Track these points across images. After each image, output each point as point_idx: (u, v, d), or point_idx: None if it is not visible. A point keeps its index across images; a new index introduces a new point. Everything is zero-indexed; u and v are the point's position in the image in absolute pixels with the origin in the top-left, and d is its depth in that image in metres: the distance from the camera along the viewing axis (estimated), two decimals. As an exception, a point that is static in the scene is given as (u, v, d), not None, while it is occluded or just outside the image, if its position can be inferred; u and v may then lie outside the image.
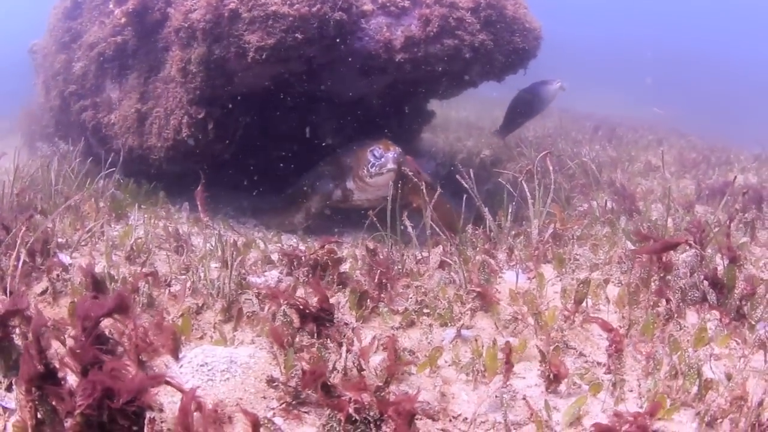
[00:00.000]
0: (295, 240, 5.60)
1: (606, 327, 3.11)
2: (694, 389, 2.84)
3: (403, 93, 6.76)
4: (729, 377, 3.00)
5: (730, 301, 3.70)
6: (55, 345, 3.27)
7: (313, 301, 3.24)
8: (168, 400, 2.57)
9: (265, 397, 2.62)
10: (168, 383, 2.28)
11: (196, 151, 5.86)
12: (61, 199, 5.76)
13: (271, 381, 2.62)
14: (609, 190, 7.20)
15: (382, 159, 5.39)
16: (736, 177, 7.78)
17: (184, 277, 4.28)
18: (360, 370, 2.81)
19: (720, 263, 3.99)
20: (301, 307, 3.09)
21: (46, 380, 2.44)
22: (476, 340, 3.14)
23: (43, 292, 3.98)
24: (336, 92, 6.27)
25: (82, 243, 4.85)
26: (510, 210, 5.11)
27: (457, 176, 5.22)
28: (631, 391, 2.95)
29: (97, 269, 4.23)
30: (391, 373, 2.71)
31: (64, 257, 4.54)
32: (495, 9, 5.94)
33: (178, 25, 5.55)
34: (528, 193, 5.14)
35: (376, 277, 3.79)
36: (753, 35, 41.24)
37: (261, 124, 6.36)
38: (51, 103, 7.45)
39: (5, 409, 2.84)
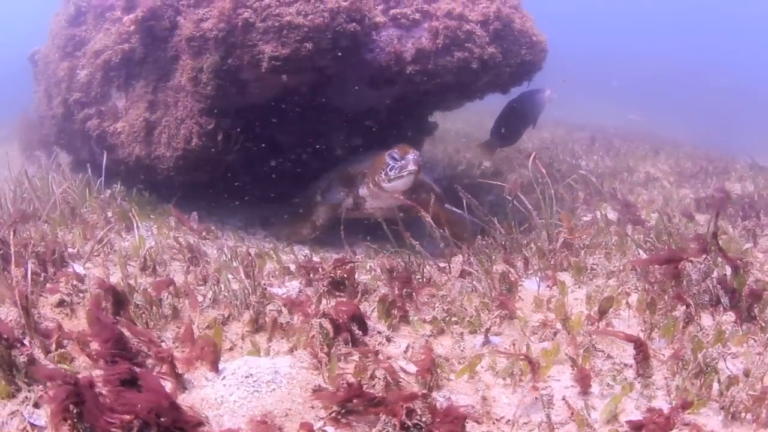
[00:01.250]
0: (307, 251, 5.58)
1: (630, 339, 3.20)
2: (716, 385, 2.98)
3: (412, 104, 6.78)
4: (747, 373, 3.14)
5: (742, 303, 3.85)
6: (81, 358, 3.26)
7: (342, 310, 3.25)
8: (213, 413, 2.55)
9: (312, 407, 2.61)
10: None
11: (207, 161, 5.84)
12: (66, 207, 5.71)
13: (317, 390, 2.61)
14: (612, 201, 7.27)
15: (402, 161, 5.24)
16: (712, 185, 8.03)
17: (202, 288, 4.27)
18: (397, 382, 2.82)
19: (727, 269, 4.14)
20: (335, 317, 3.09)
21: (80, 397, 2.41)
22: (513, 345, 3.19)
23: (60, 304, 3.93)
24: (345, 103, 6.28)
25: (95, 254, 4.81)
26: (516, 220, 5.16)
27: (459, 192, 5.27)
28: (660, 389, 3.07)
29: (113, 280, 4.21)
30: (431, 378, 2.73)
31: (78, 268, 4.51)
32: (503, 22, 6.00)
33: (189, 34, 5.53)
34: (528, 204, 5.19)
35: (400, 287, 3.80)
36: (737, 43, 41.85)
37: (270, 134, 6.35)
38: (53, 111, 7.37)
39: (34, 426, 2.78)
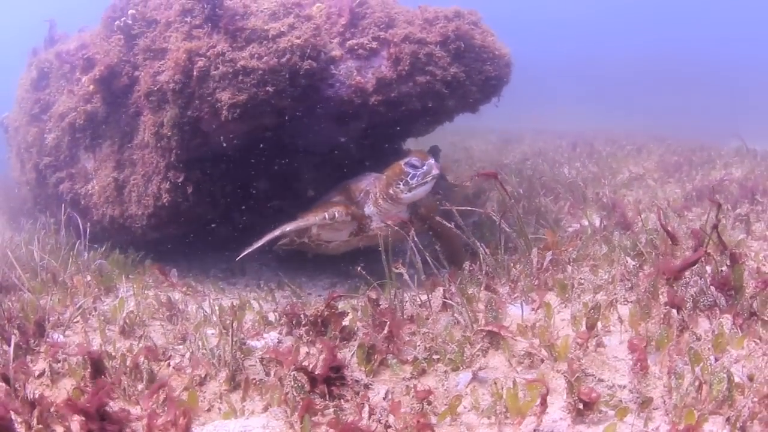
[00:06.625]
0: (286, 294, 5.45)
1: (632, 347, 3.13)
2: (721, 396, 2.83)
3: (381, 136, 6.65)
4: (751, 378, 3.00)
5: (741, 301, 3.68)
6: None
7: (320, 360, 3.14)
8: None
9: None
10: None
11: (179, 215, 5.75)
12: (47, 275, 5.61)
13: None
14: (596, 206, 7.17)
15: (425, 167, 5.17)
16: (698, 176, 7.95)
17: (181, 347, 4.17)
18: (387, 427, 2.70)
19: (723, 265, 4.00)
20: (310, 369, 2.98)
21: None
22: (495, 383, 3.06)
23: (41, 374, 3.85)
24: (312, 142, 6.17)
25: (74, 320, 4.71)
26: (502, 242, 5.01)
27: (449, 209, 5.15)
28: (657, 409, 2.91)
29: (93, 347, 4.12)
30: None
31: (58, 336, 4.41)
32: (464, 40, 5.88)
33: (147, 89, 5.47)
34: (507, 228, 5.05)
35: (385, 328, 3.66)
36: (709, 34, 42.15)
37: (241, 181, 6.22)
38: (27, 176, 7.35)
39: None
